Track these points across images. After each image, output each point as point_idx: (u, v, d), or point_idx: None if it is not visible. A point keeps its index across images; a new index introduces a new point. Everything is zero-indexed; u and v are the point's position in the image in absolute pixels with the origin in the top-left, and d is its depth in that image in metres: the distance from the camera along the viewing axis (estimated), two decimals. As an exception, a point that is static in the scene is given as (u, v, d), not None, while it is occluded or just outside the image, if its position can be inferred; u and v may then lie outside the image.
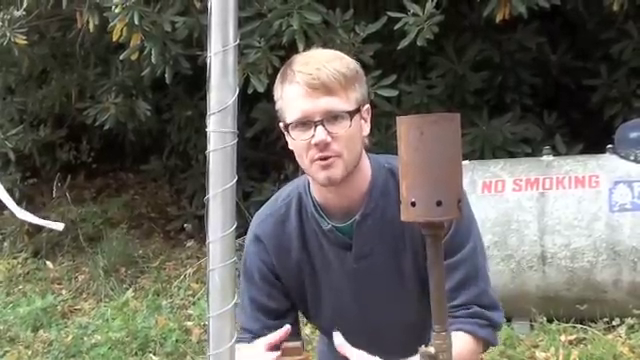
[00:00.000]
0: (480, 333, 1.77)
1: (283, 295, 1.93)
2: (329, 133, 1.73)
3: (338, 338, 1.65)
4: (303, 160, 1.79)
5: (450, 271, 1.76)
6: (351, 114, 1.75)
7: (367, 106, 1.83)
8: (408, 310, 1.87)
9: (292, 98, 1.76)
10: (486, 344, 1.81)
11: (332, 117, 1.73)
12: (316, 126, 1.73)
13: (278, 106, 1.82)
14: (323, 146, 1.73)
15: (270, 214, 1.95)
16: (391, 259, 1.85)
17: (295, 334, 1.96)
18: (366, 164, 1.86)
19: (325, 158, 1.74)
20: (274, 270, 1.91)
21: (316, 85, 1.72)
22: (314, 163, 1.76)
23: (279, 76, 1.83)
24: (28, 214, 2.96)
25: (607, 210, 4.61)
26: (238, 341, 1.87)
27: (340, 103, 1.74)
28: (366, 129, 1.83)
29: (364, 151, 1.84)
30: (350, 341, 1.98)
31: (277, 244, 1.91)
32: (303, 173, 1.92)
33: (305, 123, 1.74)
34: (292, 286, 1.93)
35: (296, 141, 1.77)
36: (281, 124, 1.83)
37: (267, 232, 1.92)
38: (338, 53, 1.84)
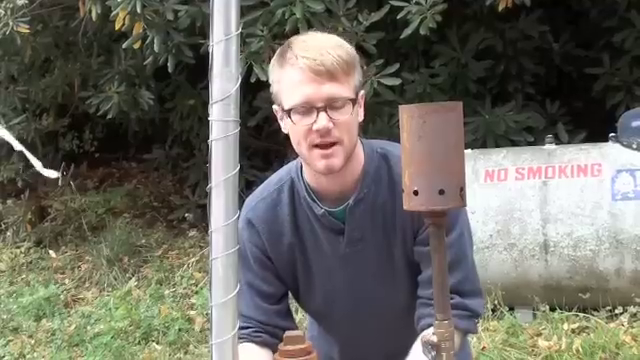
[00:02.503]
0: (460, 325, 1.78)
1: (277, 279, 1.93)
2: (331, 119, 1.72)
3: None
4: (301, 145, 1.78)
5: None
6: (352, 101, 1.75)
7: (362, 92, 1.83)
8: (397, 295, 1.88)
9: (294, 83, 1.74)
10: (467, 333, 1.83)
11: (334, 104, 1.73)
12: (319, 112, 1.72)
13: (274, 89, 1.81)
14: (325, 132, 1.73)
15: (262, 198, 1.95)
16: (382, 244, 1.85)
17: (290, 320, 1.97)
18: (360, 149, 1.86)
19: (325, 146, 1.74)
20: (267, 254, 1.92)
21: (320, 71, 1.71)
22: (313, 150, 1.76)
23: (276, 58, 1.81)
24: (27, 152, 2.98)
25: (609, 199, 4.61)
26: (239, 338, 1.88)
27: (342, 90, 1.74)
28: (361, 115, 1.83)
29: (358, 138, 1.84)
30: (340, 326, 1.99)
31: (269, 228, 1.91)
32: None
33: (307, 108, 1.73)
34: (284, 270, 1.93)
35: (296, 126, 1.76)
36: (276, 107, 1.83)
37: (259, 216, 1.92)
38: (336, 38, 1.83)
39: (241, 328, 1.90)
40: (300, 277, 1.94)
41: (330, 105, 1.72)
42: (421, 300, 1.81)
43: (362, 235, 1.86)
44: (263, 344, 1.88)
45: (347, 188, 1.84)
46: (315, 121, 1.72)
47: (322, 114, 1.72)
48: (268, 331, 1.88)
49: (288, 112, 1.76)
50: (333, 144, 1.74)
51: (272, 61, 1.82)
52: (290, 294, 2.01)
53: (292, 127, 1.77)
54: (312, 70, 1.71)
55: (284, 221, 1.90)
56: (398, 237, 1.83)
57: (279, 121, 1.84)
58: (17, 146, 3.24)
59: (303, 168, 1.88)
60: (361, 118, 1.83)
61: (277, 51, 1.82)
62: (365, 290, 1.90)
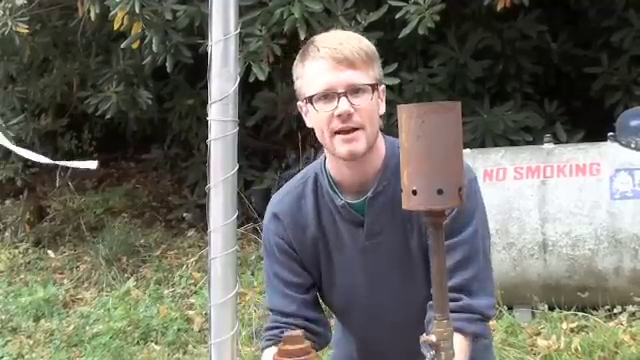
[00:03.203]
0: (469, 329, 1.78)
1: (304, 270, 1.96)
2: (352, 105, 1.77)
3: None
4: (324, 134, 1.82)
5: (449, 251, 1.77)
6: (372, 87, 1.80)
7: (383, 86, 1.88)
8: (415, 289, 1.88)
9: (316, 72, 1.81)
10: (475, 337, 1.81)
11: (355, 90, 1.78)
12: (339, 98, 1.77)
13: (297, 85, 1.88)
14: (346, 117, 1.77)
15: (287, 192, 2.00)
16: (400, 238, 1.87)
17: (318, 310, 1.98)
18: (381, 143, 1.89)
19: (347, 131, 1.78)
20: (292, 246, 1.95)
21: (340, 58, 1.77)
22: (336, 137, 1.80)
23: (299, 56, 1.87)
24: (26, 151, 2.96)
25: (608, 198, 4.61)
26: (267, 340, 1.89)
27: (362, 77, 1.80)
28: (382, 108, 1.88)
29: (379, 129, 1.86)
30: (360, 321, 2.01)
31: (294, 221, 1.95)
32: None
33: (328, 95, 1.79)
34: (309, 262, 1.96)
35: (319, 113, 1.80)
36: (300, 103, 1.88)
37: (284, 210, 1.96)
38: (355, 34, 1.91)
39: (268, 329, 1.92)
40: (323, 270, 1.97)
41: (350, 91, 1.78)
42: (431, 302, 1.81)
43: (381, 228, 1.88)
44: None
45: (368, 180, 1.87)
46: (337, 107, 1.77)
47: (343, 99, 1.77)
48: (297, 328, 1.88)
49: (310, 100, 1.81)
50: (355, 129, 1.79)
51: (295, 62, 1.89)
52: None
53: (315, 116, 1.82)
54: (332, 58, 1.78)
55: (308, 214, 1.94)
56: (415, 231, 1.85)
57: (304, 117, 1.89)
58: (18, 150, 3.23)
59: (327, 161, 1.93)
60: (382, 111, 1.87)
61: (300, 50, 1.89)
62: (384, 283, 1.92)
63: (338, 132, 1.79)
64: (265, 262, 2.02)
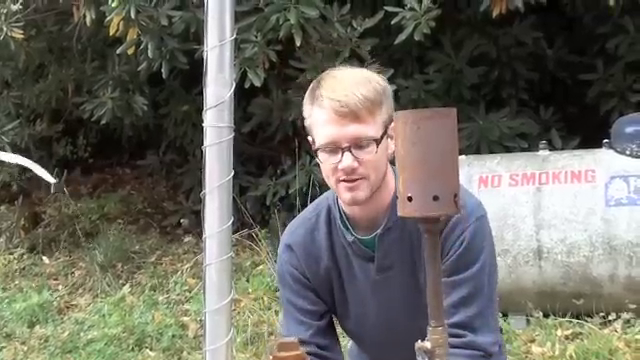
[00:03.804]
0: None
1: (318, 297, 1.98)
2: (356, 159, 1.78)
3: None
4: (330, 180, 1.85)
5: (454, 288, 1.79)
6: (377, 141, 1.79)
7: (393, 124, 1.85)
8: (425, 321, 1.88)
9: (320, 122, 1.81)
10: None
11: (359, 144, 1.78)
12: (343, 152, 1.78)
13: (307, 123, 1.88)
14: (350, 171, 1.79)
15: (300, 224, 2.01)
16: (409, 272, 1.88)
17: (332, 337, 2.00)
18: (391, 178, 1.90)
19: (351, 180, 1.80)
20: (305, 275, 1.97)
21: (344, 112, 1.76)
22: (340, 184, 1.82)
23: (308, 95, 1.86)
24: (16, 156, 2.94)
25: (603, 205, 4.61)
26: None
27: (367, 129, 1.79)
28: (392, 146, 1.85)
29: (389, 165, 1.86)
30: (372, 347, 2.01)
31: (307, 252, 1.97)
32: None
33: (332, 148, 1.79)
34: (323, 291, 1.98)
35: (324, 164, 1.83)
36: (310, 138, 1.89)
37: (297, 241, 1.98)
38: (365, 74, 1.88)
39: None
40: (336, 299, 1.99)
41: (355, 145, 1.78)
42: None
43: (391, 263, 1.90)
44: None
45: (379, 216, 1.88)
46: (340, 160, 1.78)
47: (347, 154, 1.77)
48: (310, 358, 1.88)
49: (316, 151, 1.84)
50: (358, 179, 1.80)
51: (306, 95, 1.88)
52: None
53: (321, 163, 1.85)
54: (336, 112, 1.76)
55: (321, 246, 1.96)
56: (424, 264, 1.84)
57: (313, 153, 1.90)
58: (13, 158, 3.21)
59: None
60: (392, 150, 1.85)
61: (311, 84, 1.88)
62: (394, 316, 1.93)
63: (343, 180, 1.81)
64: (280, 291, 2.05)
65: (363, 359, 2.10)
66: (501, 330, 2.13)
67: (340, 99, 1.76)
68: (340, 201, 1.92)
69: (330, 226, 1.95)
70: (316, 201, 2.05)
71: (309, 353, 1.88)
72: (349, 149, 1.77)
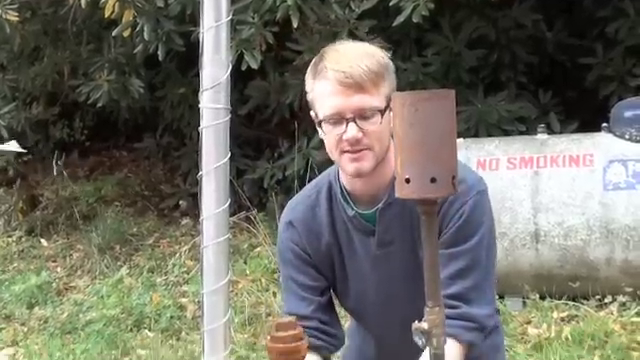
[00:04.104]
0: (464, 337, 1.78)
1: (319, 274, 1.97)
2: (360, 129, 1.77)
3: None
4: (333, 152, 1.84)
5: (451, 260, 1.79)
6: (382, 111, 1.78)
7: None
8: (423, 300, 1.88)
9: (324, 94, 1.80)
10: (470, 346, 1.81)
11: (363, 114, 1.77)
12: (348, 123, 1.77)
13: (309, 97, 1.87)
14: (354, 141, 1.78)
15: (301, 201, 2.00)
16: (410, 248, 1.88)
17: (333, 313, 2.00)
18: (392, 154, 1.88)
19: (355, 151, 1.79)
20: (307, 251, 1.96)
21: (349, 83, 1.75)
22: (344, 155, 1.81)
23: (310, 69, 1.86)
24: None
25: (601, 189, 4.62)
26: None
27: (372, 100, 1.78)
28: None
29: (391, 140, 1.85)
30: (373, 323, 2.01)
31: (308, 229, 1.96)
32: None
33: (337, 120, 1.79)
34: (324, 267, 1.98)
35: (328, 135, 1.82)
36: (312, 113, 1.88)
37: (298, 217, 1.97)
38: (368, 48, 1.87)
39: None
40: (337, 275, 1.98)
41: (359, 115, 1.77)
42: None
43: (392, 238, 1.89)
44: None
45: (379, 191, 1.87)
46: (345, 131, 1.77)
47: (351, 124, 1.77)
48: (311, 333, 1.88)
49: (320, 123, 1.82)
50: (363, 150, 1.80)
51: (308, 70, 1.87)
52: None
53: (324, 136, 1.84)
54: (341, 83, 1.76)
55: (322, 222, 1.95)
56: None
57: (316, 127, 1.89)
58: None
59: (340, 171, 1.94)
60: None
61: (313, 60, 1.87)
62: (395, 290, 1.93)
63: (346, 152, 1.80)
64: (281, 268, 2.04)
65: (364, 337, 2.10)
66: (498, 311, 2.13)
67: (345, 70, 1.75)
68: (341, 176, 1.92)
69: (331, 202, 1.94)
70: (317, 179, 2.04)
71: (311, 328, 1.89)
72: (354, 120, 1.76)
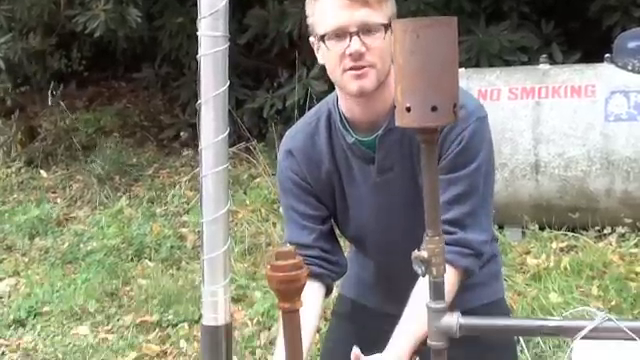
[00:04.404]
0: (461, 263, 1.78)
1: (319, 202, 1.97)
2: (364, 44, 1.75)
3: (355, 350, 1.68)
4: (335, 71, 1.81)
5: (449, 185, 1.79)
6: (385, 27, 1.77)
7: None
8: (422, 227, 1.89)
9: (327, 10, 1.78)
10: (466, 272, 1.82)
11: (367, 29, 1.76)
12: (352, 37, 1.75)
13: (310, 21, 1.85)
14: (357, 56, 1.76)
15: (300, 129, 1.99)
16: (410, 173, 1.88)
17: (335, 242, 2.00)
18: (392, 79, 1.85)
19: (358, 68, 1.77)
20: (307, 180, 1.96)
21: None
22: (346, 73, 1.79)
23: None
24: None
25: (602, 120, 4.60)
26: None
27: (375, 15, 1.76)
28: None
29: (392, 65, 1.83)
30: (372, 251, 2.02)
31: (307, 157, 1.95)
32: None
33: (340, 34, 1.77)
34: (324, 195, 1.97)
35: (331, 51, 1.79)
36: (312, 39, 1.87)
37: (298, 146, 1.96)
38: None
39: None
40: (337, 204, 1.98)
41: (363, 30, 1.75)
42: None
43: (392, 164, 1.89)
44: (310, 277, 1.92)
45: (379, 118, 1.86)
46: (349, 45, 1.75)
47: (355, 38, 1.75)
48: (313, 261, 1.90)
49: (322, 38, 1.79)
50: (365, 67, 1.78)
51: None
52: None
53: (327, 53, 1.81)
54: None
55: (322, 150, 1.94)
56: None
57: (316, 53, 1.87)
58: None
59: (339, 98, 1.91)
60: None
61: None
62: (395, 217, 1.93)
63: (349, 68, 1.78)
64: (281, 198, 2.04)
65: (363, 265, 2.11)
66: (497, 240, 2.14)
67: None
68: (340, 103, 1.91)
69: (330, 130, 1.93)
70: (315, 107, 2.02)
71: (313, 257, 1.90)
72: (357, 34, 1.75)
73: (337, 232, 2.05)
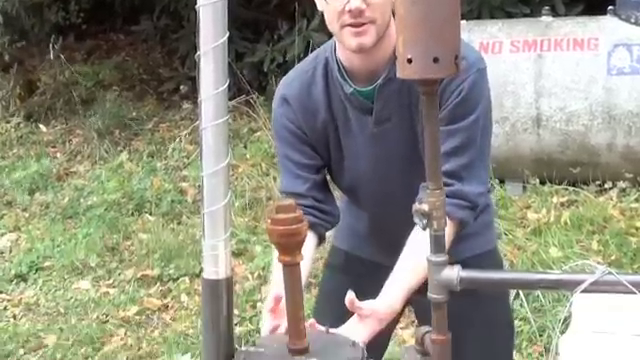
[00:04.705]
0: (458, 215, 1.78)
1: (314, 152, 1.96)
2: (363, 0, 1.73)
3: (350, 294, 1.67)
4: (334, 25, 1.79)
5: (448, 136, 1.77)
6: None
7: None
8: (420, 174, 1.88)
9: None
10: (461, 224, 1.82)
11: None
12: None
13: None
14: (357, 13, 1.74)
15: (296, 77, 1.97)
16: (407, 124, 1.87)
17: (328, 192, 2.00)
18: (392, 29, 1.84)
19: (358, 25, 1.75)
20: (302, 129, 1.94)
21: None
22: (345, 29, 1.77)
23: None
24: None
25: (605, 73, 4.57)
26: None
27: None
28: None
29: (392, 16, 1.81)
30: (367, 202, 2.02)
31: (303, 106, 1.93)
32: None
33: None
34: (319, 144, 1.96)
35: (329, 5, 1.77)
36: None
37: (294, 94, 1.94)
38: None
39: None
40: (332, 154, 1.97)
41: None
42: (424, 184, 1.81)
43: (390, 115, 1.87)
44: None
45: (378, 68, 1.84)
46: (348, 1, 1.73)
47: None
48: (307, 210, 1.88)
49: None
50: (365, 23, 1.76)
51: None
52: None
53: (326, 6, 1.79)
54: None
55: (318, 99, 1.92)
56: (422, 118, 1.83)
57: (315, 0, 1.84)
58: None
59: (337, 47, 1.89)
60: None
61: None
62: (391, 168, 1.93)
63: (348, 25, 1.76)
64: (276, 146, 2.03)
65: (356, 216, 2.11)
66: (490, 190, 2.13)
67: None
68: (338, 52, 1.88)
69: (327, 79, 1.91)
70: (313, 54, 2.00)
71: (307, 206, 1.89)
72: None
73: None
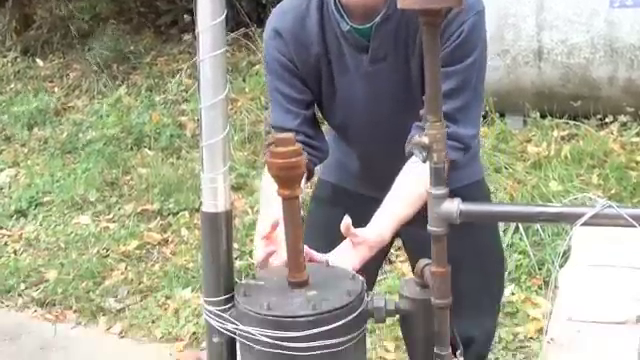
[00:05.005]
0: (451, 156, 1.76)
1: (305, 86, 1.94)
2: None
3: (347, 219, 1.66)
4: None
5: (444, 79, 1.74)
6: None
7: None
8: (412, 112, 1.87)
9: None
10: (452, 164, 1.81)
11: None
12: None
13: None
14: None
15: (290, 9, 1.92)
16: (402, 62, 1.84)
17: (318, 127, 1.99)
18: None
19: None
20: (294, 62, 1.91)
21: None
22: None
23: None
24: None
25: (607, 6, 4.51)
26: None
27: None
28: None
29: None
30: (358, 140, 2.02)
31: (296, 40, 1.89)
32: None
33: None
34: (311, 79, 1.93)
35: None
36: None
37: (286, 27, 1.90)
38: None
39: (269, 145, 1.91)
40: (324, 90, 1.95)
41: None
42: (417, 123, 1.80)
43: (385, 54, 1.84)
44: None
45: (376, 4, 1.80)
46: None
47: None
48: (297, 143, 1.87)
49: None
50: None
51: None
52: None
53: None
54: None
55: (311, 32, 1.88)
56: (417, 51, 1.81)
57: None
58: None
59: None
60: None
61: None
62: (383, 106, 1.91)
63: None
64: (267, 79, 1.99)
65: (345, 152, 2.10)
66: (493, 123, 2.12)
67: None
68: None
69: (322, 14, 1.87)
70: None
71: (297, 141, 1.88)
72: None
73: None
